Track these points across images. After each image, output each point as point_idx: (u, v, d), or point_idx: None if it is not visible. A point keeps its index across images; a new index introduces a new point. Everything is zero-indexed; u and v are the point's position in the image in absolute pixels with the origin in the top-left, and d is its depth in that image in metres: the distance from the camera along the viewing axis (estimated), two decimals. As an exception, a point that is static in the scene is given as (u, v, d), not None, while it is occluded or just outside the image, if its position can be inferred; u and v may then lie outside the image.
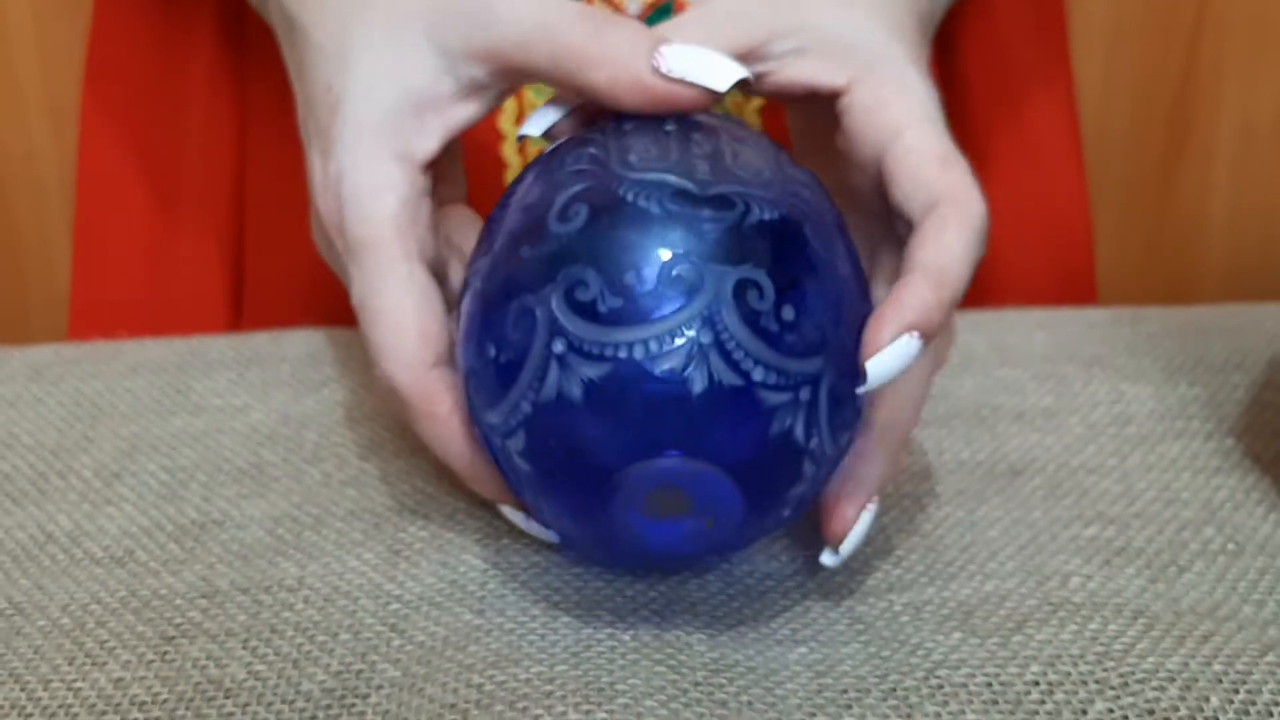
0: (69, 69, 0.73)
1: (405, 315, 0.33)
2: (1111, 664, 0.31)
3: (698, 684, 0.31)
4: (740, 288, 0.29)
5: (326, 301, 0.55)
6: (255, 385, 0.45)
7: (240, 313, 0.58)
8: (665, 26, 0.36)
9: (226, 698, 0.31)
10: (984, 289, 0.59)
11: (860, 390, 0.31)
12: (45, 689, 0.31)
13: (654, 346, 0.29)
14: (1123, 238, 0.82)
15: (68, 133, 0.75)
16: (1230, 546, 0.37)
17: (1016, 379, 0.45)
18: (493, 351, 0.30)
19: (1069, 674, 0.31)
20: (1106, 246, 0.80)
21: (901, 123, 0.34)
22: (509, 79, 0.35)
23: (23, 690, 0.31)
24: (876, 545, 0.37)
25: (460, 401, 0.33)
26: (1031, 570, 0.35)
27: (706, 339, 0.29)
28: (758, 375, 0.29)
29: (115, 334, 0.50)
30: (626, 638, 0.32)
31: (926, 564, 0.36)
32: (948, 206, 0.32)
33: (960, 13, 0.55)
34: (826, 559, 0.33)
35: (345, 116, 0.34)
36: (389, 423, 0.43)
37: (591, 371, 0.29)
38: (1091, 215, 0.61)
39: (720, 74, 0.33)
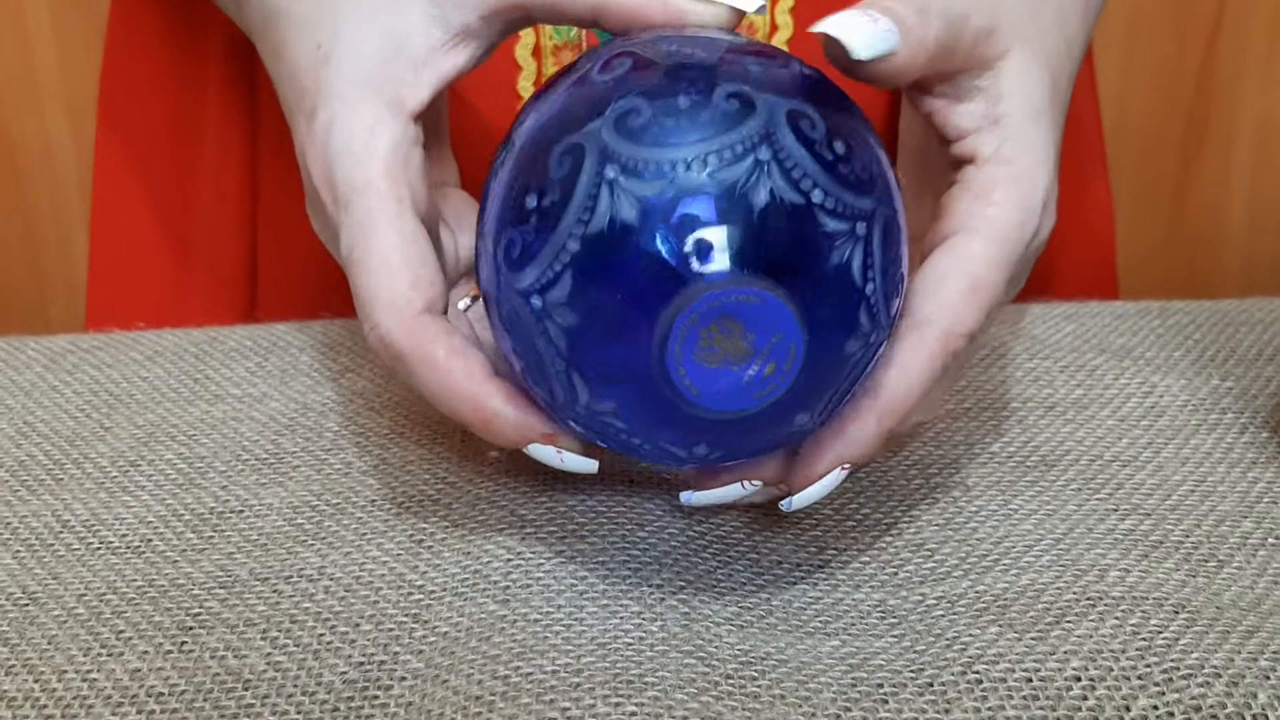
0: (86, 65, 0.73)
1: (394, 259, 0.31)
2: (1154, 659, 0.30)
3: (728, 676, 0.30)
4: (795, 115, 0.29)
5: (340, 296, 0.54)
6: (274, 374, 0.45)
7: (255, 306, 0.57)
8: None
9: (245, 689, 0.30)
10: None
11: (783, 507, 0.32)
12: (60, 680, 0.31)
13: (713, 161, 0.28)
14: (1142, 232, 0.82)
15: (85, 128, 0.74)
16: (1270, 540, 0.36)
17: (1046, 371, 0.45)
18: (534, 201, 0.29)
19: (1110, 669, 0.30)
20: (1126, 240, 0.79)
21: (982, 226, 0.33)
22: (501, 22, 0.34)
23: (37, 681, 0.31)
24: (907, 536, 0.36)
25: (458, 346, 0.31)
26: (1068, 563, 0.34)
27: (765, 155, 0.28)
28: (817, 197, 0.28)
29: (132, 324, 0.50)
30: (654, 629, 0.32)
31: (960, 556, 0.35)
32: (932, 335, 0.32)
33: None
34: (783, 504, 0.32)
35: (335, 68, 0.33)
36: (410, 411, 0.42)
37: (647, 190, 0.27)
38: (1113, 213, 0.61)
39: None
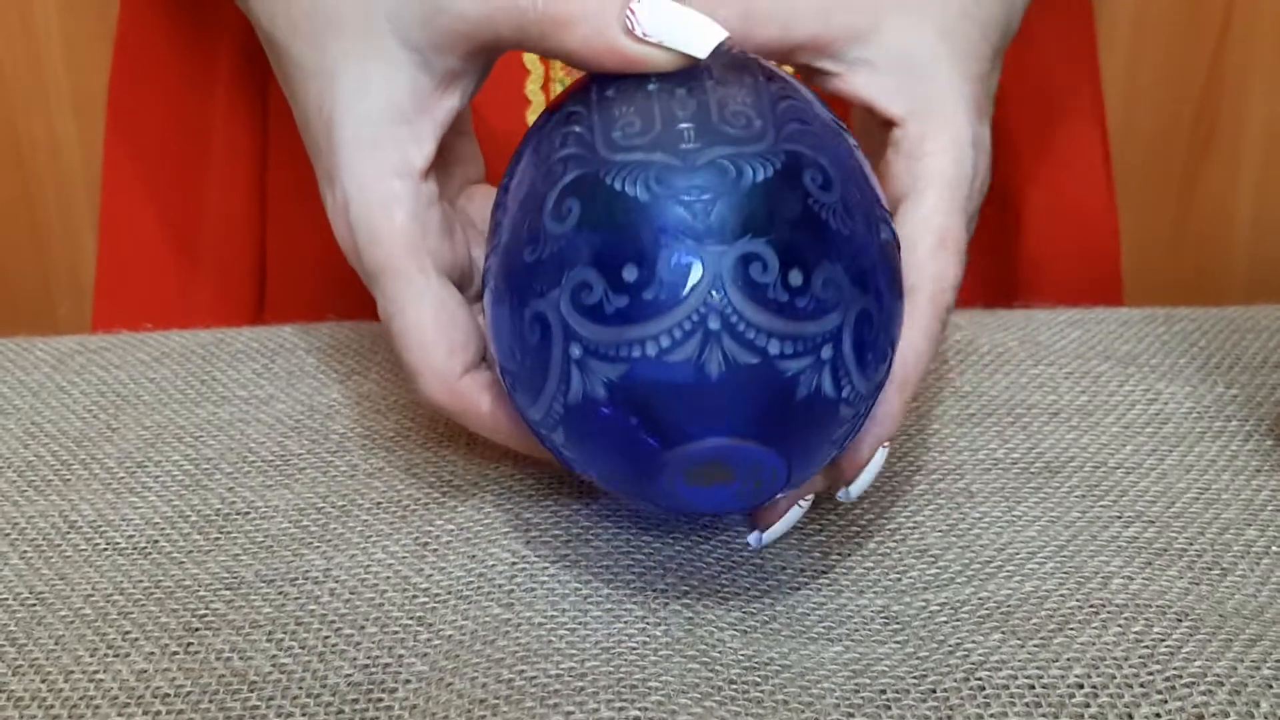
0: (95, 63, 0.73)
1: (428, 333, 0.33)
2: (1157, 667, 0.31)
3: (731, 682, 0.30)
4: (741, 264, 0.28)
5: (348, 298, 0.55)
6: (281, 376, 0.45)
7: (263, 307, 0.57)
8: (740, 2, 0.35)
9: (251, 691, 0.30)
10: (1011, 289, 0.58)
11: (841, 498, 0.33)
12: (67, 680, 0.31)
13: (665, 341, 0.28)
14: (1147, 238, 0.82)
15: (93, 127, 0.75)
16: (1274, 549, 0.36)
17: (1050, 377, 0.45)
18: (518, 356, 0.31)
19: (1113, 677, 0.30)
20: (1131, 247, 0.79)
21: (929, 181, 0.34)
22: (483, 59, 0.34)
23: (44, 681, 0.31)
24: (911, 542, 0.36)
25: (500, 394, 0.33)
26: (1071, 570, 0.34)
27: (715, 325, 0.28)
28: (774, 349, 0.28)
29: (139, 325, 0.50)
30: (659, 633, 0.32)
31: (964, 563, 0.35)
32: (922, 298, 0.33)
33: None
34: (841, 495, 0.34)
35: (340, 140, 0.34)
36: (415, 413, 0.42)
37: (610, 373, 0.29)
38: (1118, 218, 0.61)
39: (700, 37, 0.31)
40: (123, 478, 0.39)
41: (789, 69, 0.35)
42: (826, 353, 0.29)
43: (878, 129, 0.37)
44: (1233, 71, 0.78)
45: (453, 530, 0.36)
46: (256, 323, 0.57)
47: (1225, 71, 0.78)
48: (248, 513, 0.37)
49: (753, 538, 0.34)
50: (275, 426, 0.42)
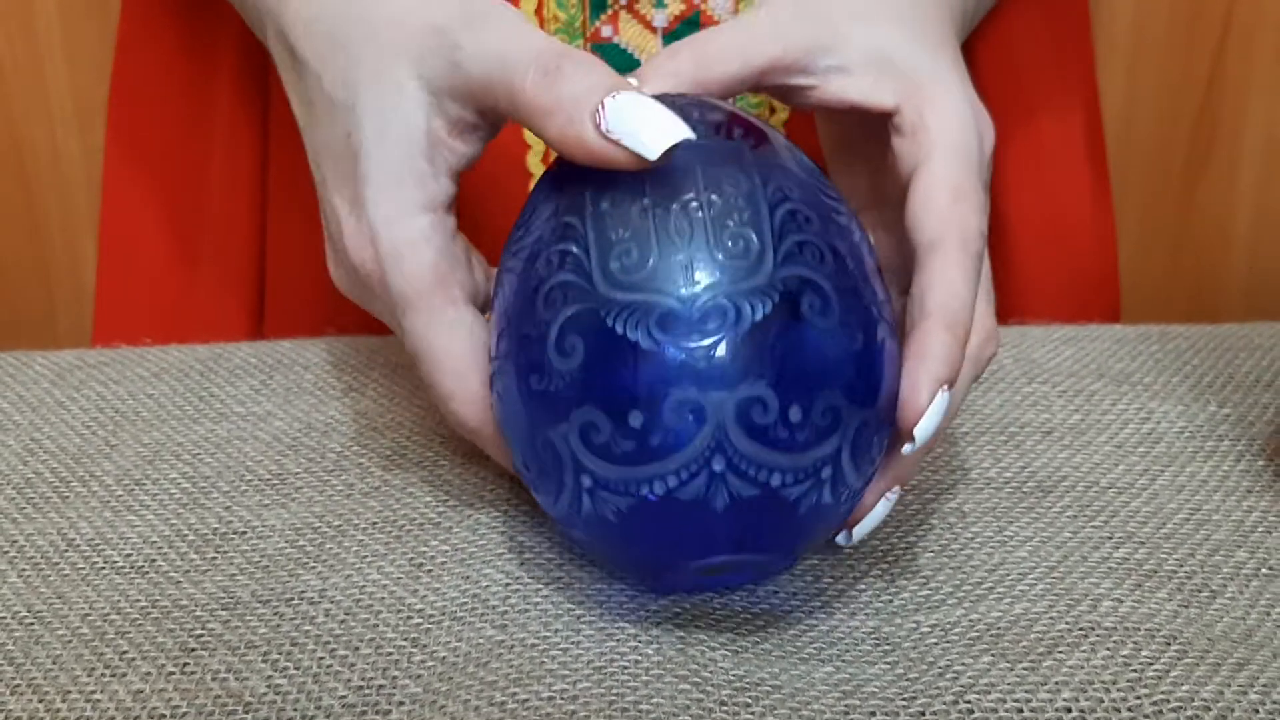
0: (97, 72, 0.73)
1: (463, 362, 0.34)
2: (1145, 691, 0.31)
3: (722, 703, 0.31)
4: (743, 408, 0.29)
5: (347, 308, 0.55)
6: (278, 392, 0.45)
7: (263, 319, 0.58)
8: (698, 39, 0.35)
9: (246, 711, 0.31)
10: (1004, 301, 0.58)
11: (907, 451, 0.32)
12: (64, 700, 0.31)
13: (671, 481, 0.30)
14: (1146, 248, 0.82)
15: (94, 136, 0.75)
16: (1264, 571, 0.36)
17: (1044, 395, 0.45)
18: (532, 467, 0.32)
19: (1101, 700, 0.31)
20: (1129, 257, 0.79)
21: (936, 147, 0.35)
22: (492, 118, 0.35)
23: (41, 701, 0.31)
24: (903, 563, 0.36)
25: None
26: (1061, 592, 0.35)
27: (719, 466, 0.29)
28: (776, 480, 0.30)
29: (139, 338, 0.50)
30: (650, 653, 0.32)
31: (954, 584, 0.35)
32: (951, 244, 0.33)
33: (977, 28, 0.55)
34: (840, 538, 0.34)
35: (367, 173, 0.35)
36: (413, 432, 0.42)
37: (620, 504, 0.30)
38: (1115, 229, 0.61)
39: (657, 136, 0.31)
40: (121, 495, 0.40)
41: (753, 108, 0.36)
42: (826, 473, 0.30)
43: (866, 132, 0.37)
44: (1231, 83, 0.78)
45: (447, 551, 0.36)
46: (256, 333, 0.57)
47: (1224, 83, 0.78)
48: (244, 532, 0.38)
49: (842, 537, 0.34)
50: (273, 444, 0.42)
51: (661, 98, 0.32)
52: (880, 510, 0.34)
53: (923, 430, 0.32)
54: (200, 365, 0.47)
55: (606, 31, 0.50)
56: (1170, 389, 0.45)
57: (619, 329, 0.29)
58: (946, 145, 0.35)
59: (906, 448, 0.33)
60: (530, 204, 0.33)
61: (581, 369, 0.30)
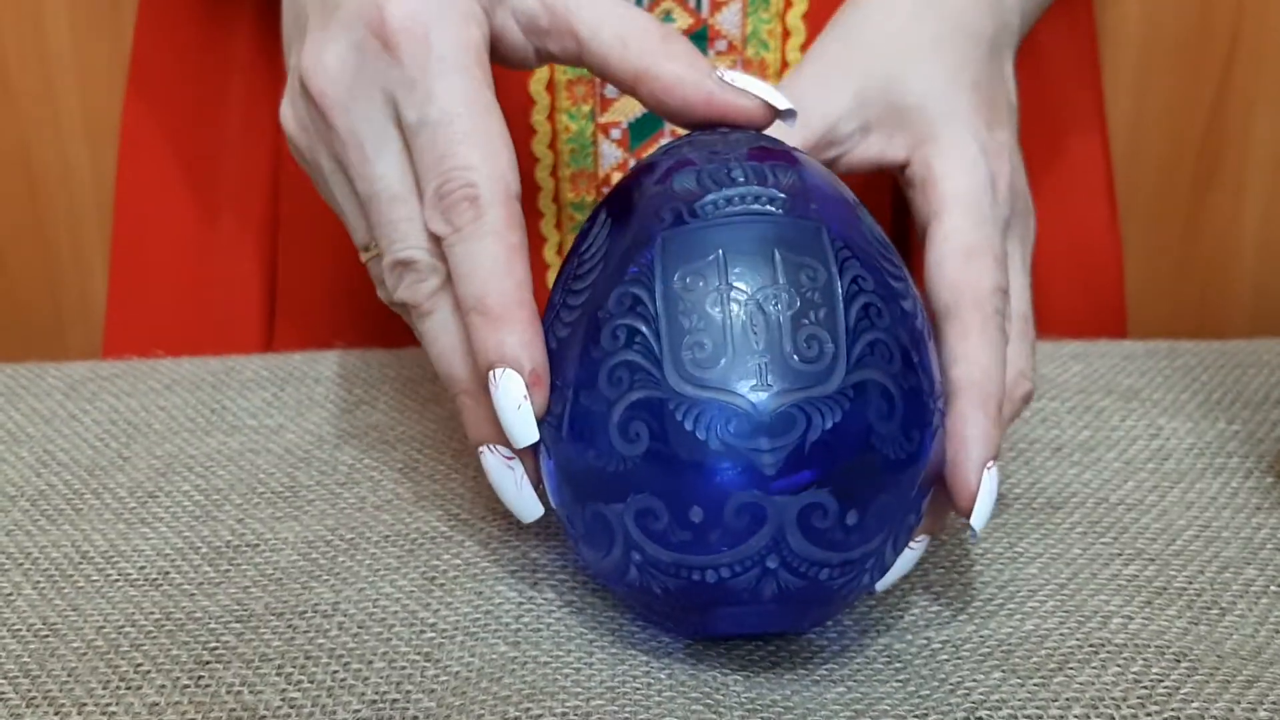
0: (107, 88, 0.74)
1: (498, 140, 0.32)
2: (1155, 708, 0.31)
3: (734, 720, 0.31)
4: (804, 514, 0.29)
5: (359, 321, 0.55)
6: (290, 405, 0.45)
7: (274, 331, 0.58)
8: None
9: (261, 725, 0.31)
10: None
11: (972, 538, 0.34)
12: (80, 712, 0.31)
13: (725, 573, 0.30)
14: (1152, 267, 0.82)
15: (105, 151, 0.75)
16: (1273, 588, 0.36)
17: (1053, 411, 0.45)
18: (578, 526, 0.32)
19: (1111, 717, 0.31)
20: (1136, 276, 0.79)
21: (944, 203, 0.35)
22: (534, 41, 0.34)
23: (57, 714, 0.31)
24: (914, 579, 0.36)
25: (526, 248, 0.32)
26: (1071, 609, 0.35)
27: (773, 564, 0.30)
28: (824, 575, 0.30)
29: (150, 351, 0.50)
30: (663, 675, 0.32)
31: (965, 600, 0.35)
32: (967, 310, 0.34)
33: None
34: (971, 536, 0.34)
35: None
36: (424, 445, 0.43)
37: (669, 583, 0.31)
38: (1122, 245, 0.61)
39: (777, 96, 0.33)
40: (134, 508, 0.40)
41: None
42: (870, 564, 0.31)
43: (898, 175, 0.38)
44: (1238, 101, 0.78)
45: (460, 565, 0.36)
46: (267, 345, 0.57)
47: (1231, 101, 0.78)
48: (257, 545, 0.38)
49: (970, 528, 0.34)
50: (285, 457, 0.42)
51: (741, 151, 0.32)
52: (908, 559, 0.34)
53: (979, 516, 0.32)
54: (212, 378, 0.47)
55: None
56: (1179, 405, 0.45)
57: (688, 425, 0.29)
58: (956, 198, 0.35)
59: (969, 534, 0.33)
60: (593, 232, 0.33)
61: (645, 457, 0.30)
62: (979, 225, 0.35)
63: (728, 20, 0.50)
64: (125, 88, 0.58)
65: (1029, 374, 0.36)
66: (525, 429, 0.31)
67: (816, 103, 0.37)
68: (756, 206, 0.31)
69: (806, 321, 0.29)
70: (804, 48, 0.50)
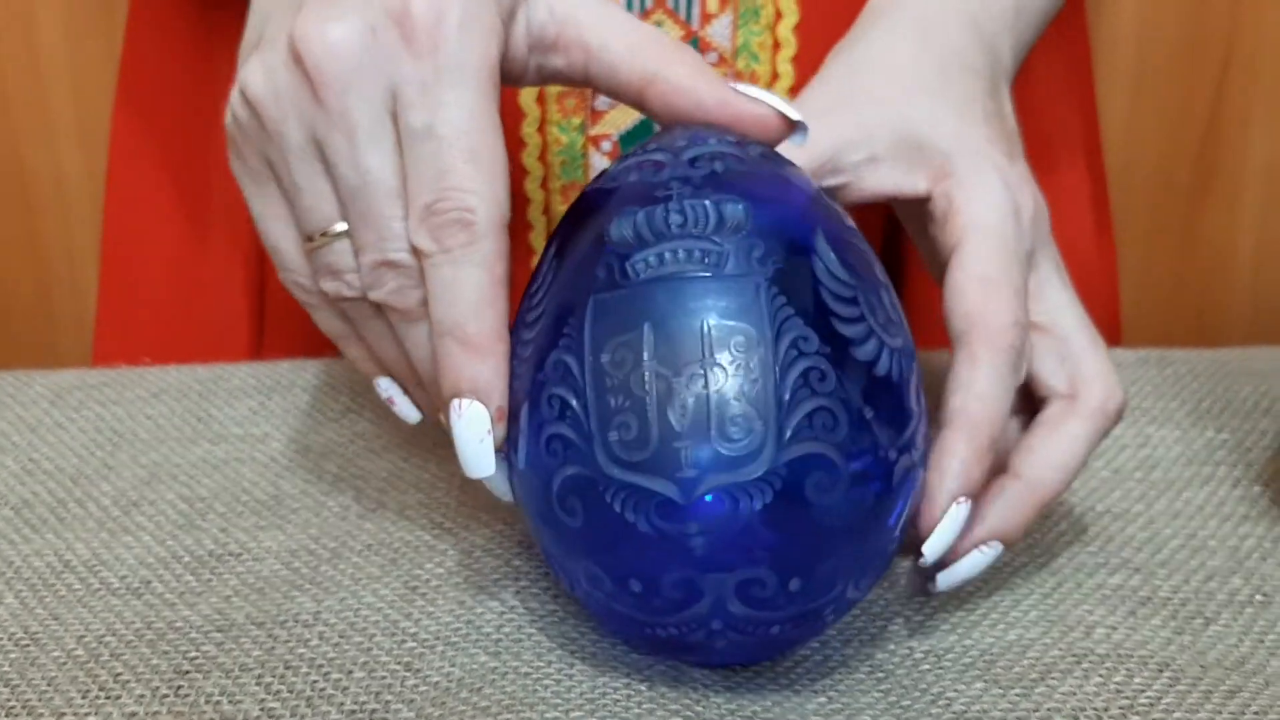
0: (100, 94, 0.74)
1: (500, 165, 0.31)
2: (1136, 718, 0.31)
3: (714, 731, 0.31)
4: (742, 587, 0.29)
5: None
6: (276, 414, 0.45)
7: (262, 337, 0.58)
8: None
9: (239, 735, 0.31)
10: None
11: (923, 564, 0.32)
12: (58, 722, 0.31)
13: (673, 630, 0.30)
14: (1148, 279, 0.82)
15: (97, 157, 0.75)
16: (1258, 598, 0.36)
17: (1041, 420, 0.45)
18: (545, 551, 0.32)
19: (1092, 728, 0.30)
20: (1132, 287, 0.79)
21: (965, 233, 0.35)
22: (537, 57, 0.34)
23: (36, 723, 0.31)
24: (898, 590, 0.36)
25: (507, 277, 0.32)
26: (1055, 619, 0.35)
27: (718, 625, 0.30)
28: (775, 631, 0.30)
29: (139, 359, 0.50)
30: (643, 687, 0.32)
31: (949, 610, 0.35)
32: (977, 341, 0.33)
33: None
34: (938, 583, 0.34)
35: None
36: (409, 455, 0.43)
37: (628, 633, 0.32)
38: (1117, 257, 0.61)
39: (790, 108, 0.33)
40: (118, 516, 0.40)
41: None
42: (828, 611, 0.31)
43: (912, 215, 0.37)
44: (1233, 112, 0.78)
45: (443, 575, 0.36)
46: (255, 352, 0.57)
47: (1225, 112, 0.78)
48: (240, 554, 0.38)
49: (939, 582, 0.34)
50: (270, 466, 0.42)
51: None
52: (952, 521, 0.32)
53: (932, 548, 0.32)
54: (199, 386, 0.47)
55: None
56: (1168, 414, 0.45)
57: (616, 507, 0.29)
58: (977, 229, 0.35)
59: (921, 561, 0.33)
60: (542, 270, 0.32)
61: (582, 531, 0.30)
62: (999, 255, 0.34)
63: (718, 32, 0.50)
64: (115, 92, 0.58)
65: (1116, 390, 0.36)
66: (484, 462, 0.31)
67: (821, 129, 0.35)
68: (689, 264, 0.29)
69: (734, 400, 0.28)
70: (795, 60, 0.50)
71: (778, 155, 0.33)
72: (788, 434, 0.28)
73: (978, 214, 0.35)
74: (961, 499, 0.32)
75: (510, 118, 0.50)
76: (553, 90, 0.50)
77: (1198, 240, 0.81)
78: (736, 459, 0.28)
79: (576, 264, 0.31)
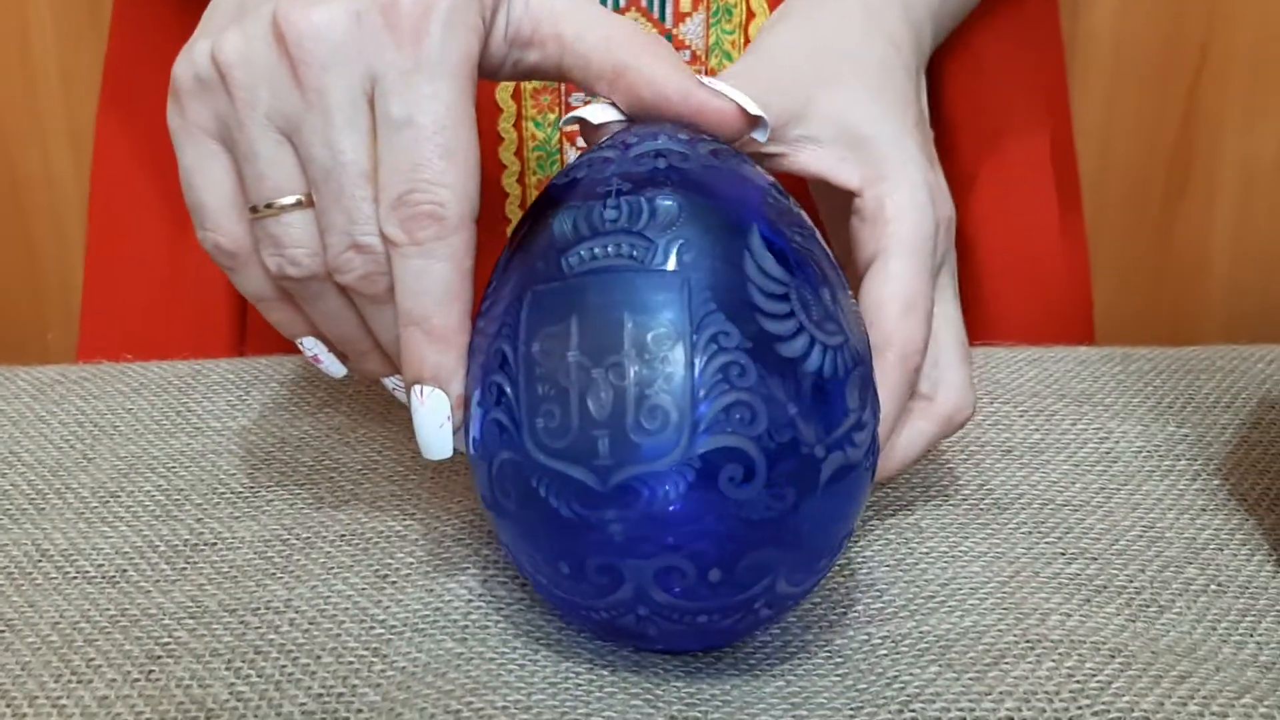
0: (90, 95, 0.75)
1: (474, 160, 0.32)
2: (1086, 701, 0.31)
3: (672, 718, 0.31)
4: (661, 574, 0.30)
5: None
6: (255, 407, 0.46)
7: (245, 334, 0.59)
8: None
9: (209, 718, 0.31)
10: (974, 330, 0.59)
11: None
12: (30, 705, 0.32)
13: (605, 614, 0.31)
14: (1124, 278, 0.83)
15: (87, 157, 0.76)
16: (1212, 587, 0.37)
17: (1005, 414, 0.46)
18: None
19: (1043, 710, 0.31)
20: (1107, 287, 0.80)
21: (891, 246, 0.36)
22: (515, 52, 0.34)
23: (8, 706, 0.32)
24: (859, 577, 0.37)
25: (471, 277, 0.33)
26: (1010, 606, 0.35)
27: (644, 611, 0.31)
28: (703, 619, 0.31)
29: (122, 356, 0.51)
30: (605, 672, 0.33)
31: (907, 597, 0.36)
32: (890, 361, 0.35)
33: (947, 53, 0.55)
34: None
35: None
36: (383, 448, 0.43)
37: (570, 616, 0.33)
38: (1090, 256, 0.62)
39: (752, 104, 0.34)
40: (95, 507, 0.40)
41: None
42: (760, 604, 0.31)
43: (834, 199, 0.38)
44: (1208, 113, 0.79)
45: (412, 564, 0.37)
46: (239, 351, 0.58)
47: (1200, 113, 0.79)
48: (215, 543, 0.38)
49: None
50: (246, 458, 0.43)
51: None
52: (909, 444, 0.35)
53: None
54: (179, 381, 0.48)
55: None
56: (1130, 409, 0.46)
57: (542, 492, 0.30)
58: (903, 244, 0.36)
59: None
60: (500, 261, 0.33)
61: (516, 514, 0.31)
62: (920, 276, 0.36)
63: (692, 31, 0.51)
64: (100, 92, 0.59)
65: (970, 403, 0.38)
66: (443, 446, 0.33)
67: (767, 97, 0.36)
68: (618, 259, 0.30)
69: (650, 392, 0.29)
70: None
71: (732, 152, 0.33)
72: (702, 426, 0.29)
73: (904, 228, 0.36)
74: None
75: (487, 113, 0.51)
76: (528, 86, 0.51)
77: (1172, 240, 0.82)
78: (652, 449, 0.29)
79: (524, 256, 0.32)
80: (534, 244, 0.32)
